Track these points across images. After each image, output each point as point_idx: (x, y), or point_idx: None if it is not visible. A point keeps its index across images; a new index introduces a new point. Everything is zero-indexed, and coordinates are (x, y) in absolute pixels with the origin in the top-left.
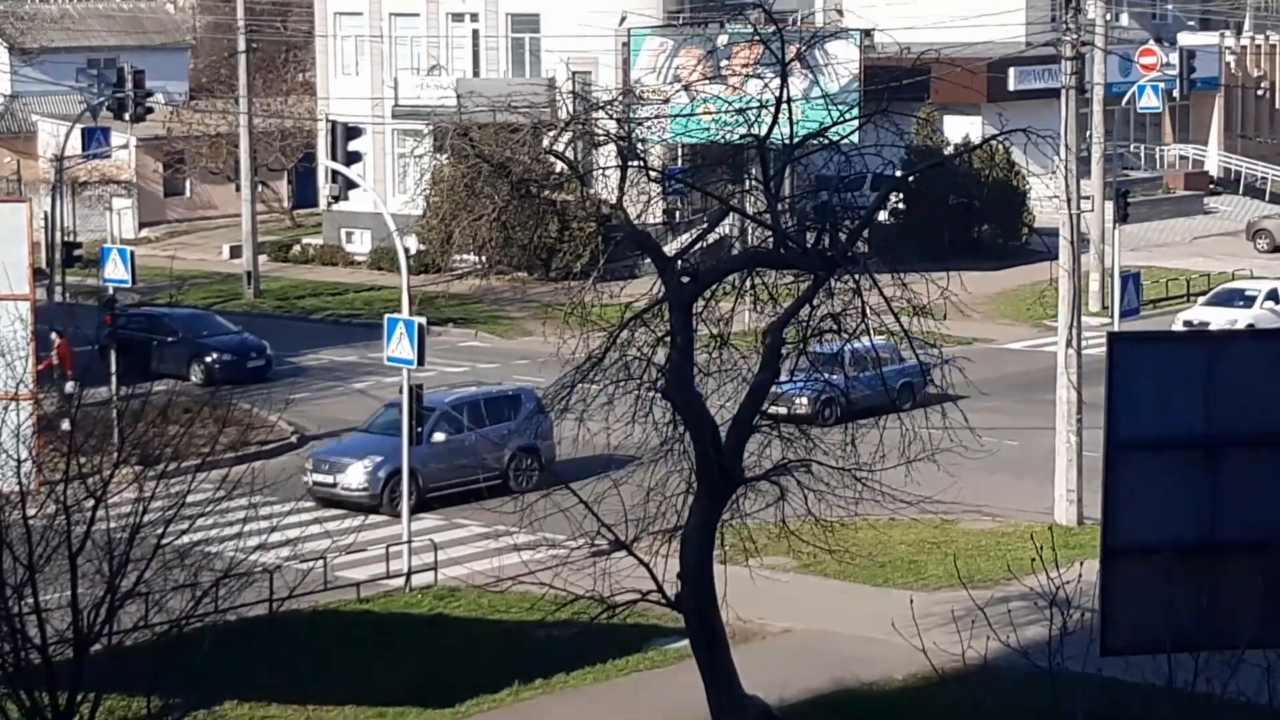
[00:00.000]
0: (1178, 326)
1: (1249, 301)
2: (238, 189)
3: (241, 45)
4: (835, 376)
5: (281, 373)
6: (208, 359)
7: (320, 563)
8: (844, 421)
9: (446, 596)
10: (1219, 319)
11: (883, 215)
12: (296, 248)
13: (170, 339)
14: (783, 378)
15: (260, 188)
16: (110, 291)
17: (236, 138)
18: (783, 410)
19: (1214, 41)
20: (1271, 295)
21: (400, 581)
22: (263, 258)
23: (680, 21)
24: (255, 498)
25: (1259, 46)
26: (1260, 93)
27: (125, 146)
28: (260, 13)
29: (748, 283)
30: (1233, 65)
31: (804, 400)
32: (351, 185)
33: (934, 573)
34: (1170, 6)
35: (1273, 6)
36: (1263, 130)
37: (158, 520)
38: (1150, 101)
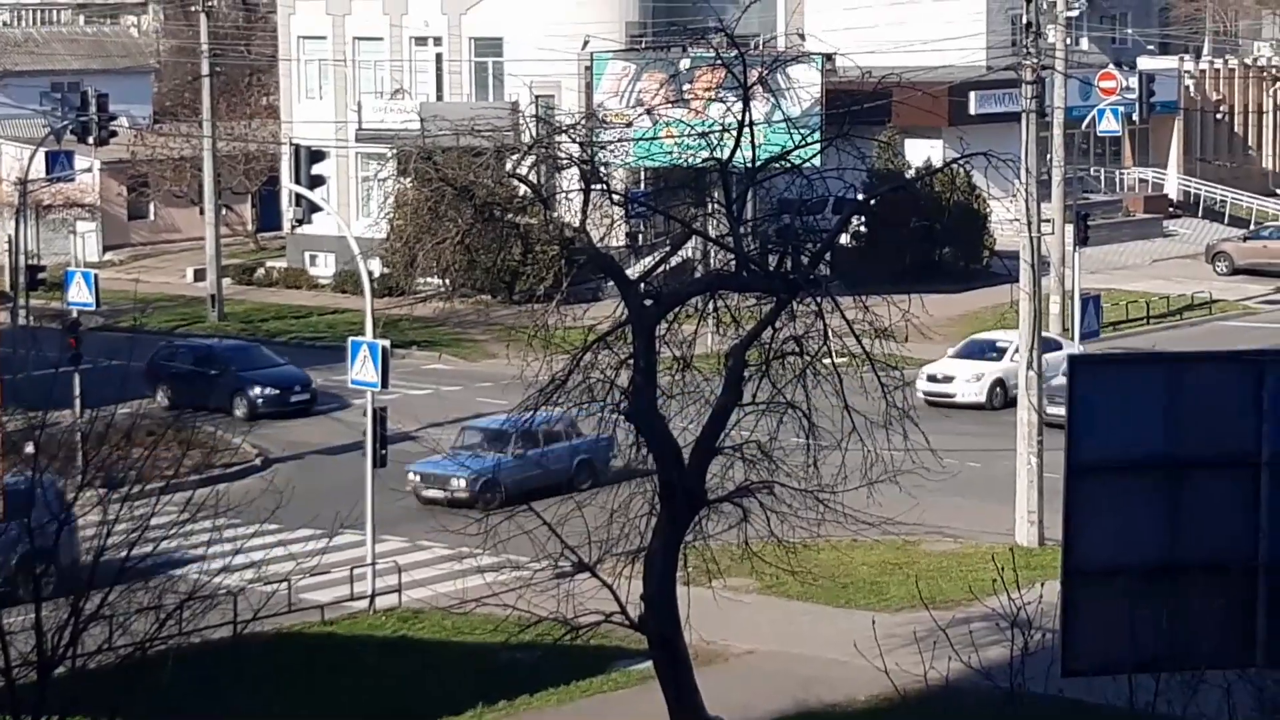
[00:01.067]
0: (921, 382)
1: (999, 354)
2: (202, 212)
3: (205, 69)
4: (497, 455)
5: (324, 402)
6: (251, 393)
7: (284, 585)
8: (507, 505)
9: (411, 618)
10: (965, 372)
11: (844, 238)
12: (260, 271)
13: (214, 372)
14: (445, 457)
15: (224, 211)
16: (74, 315)
17: (200, 161)
18: (439, 494)
19: (1173, 66)
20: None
21: (364, 603)
22: (226, 281)
23: (643, 45)
24: (219, 520)
25: (1218, 71)
26: (1219, 116)
27: (89, 170)
28: (224, 37)
29: (710, 305)
30: (1192, 89)
31: (461, 482)
32: (315, 209)
33: (896, 594)
34: (1130, 31)
35: (1231, 31)
36: (1221, 154)
37: (122, 543)
38: (1110, 125)
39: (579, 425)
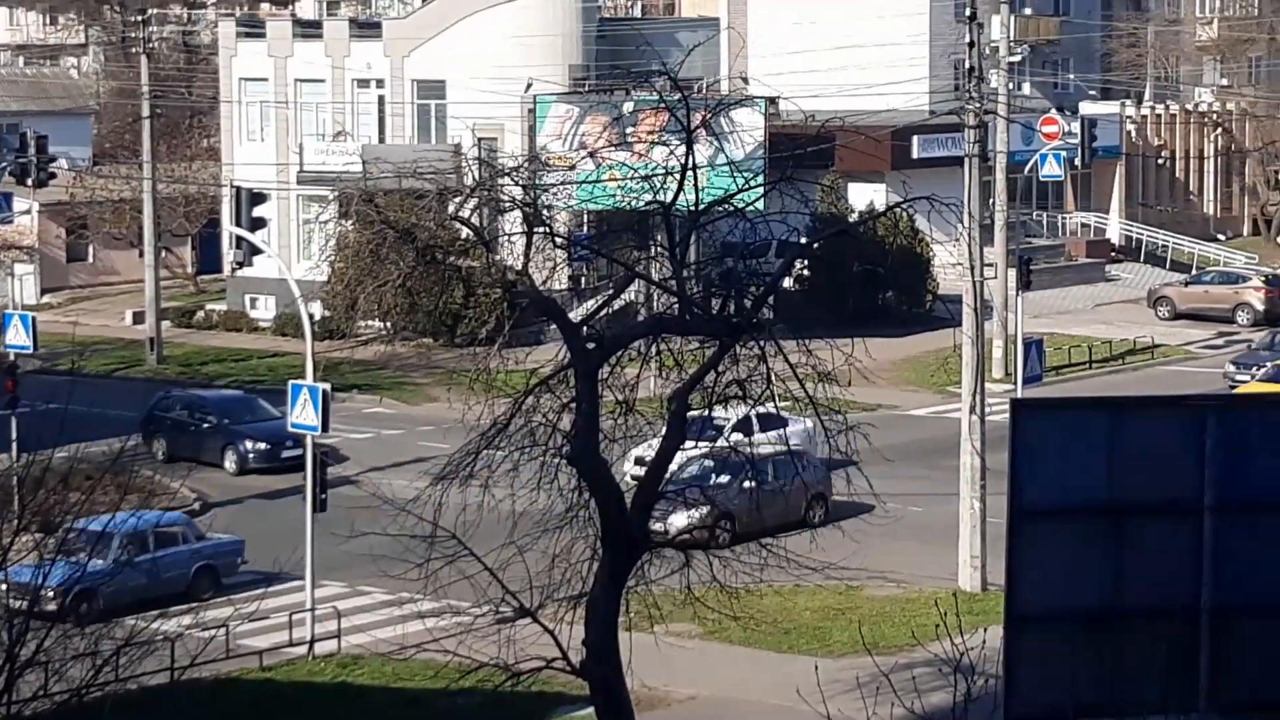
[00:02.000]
0: (629, 465)
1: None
2: (141, 254)
3: (146, 111)
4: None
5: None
6: (241, 447)
7: (222, 630)
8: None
9: (350, 664)
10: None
11: (788, 282)
12: (200, 313)
13: (206, 424)
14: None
15: (164, 253)
16: (11, 358)
17: (140, 203)
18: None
19: (1115, 111)
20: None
21: (303, 649)
22: (166, 323)
23: (586, 89)
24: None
25: (1159, 116)
26: (1161, 161)
27: (27, 212)
28: (165, 78)
29: (653, 349)
30: (1133, 134)
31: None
32: (256, 251)
33: (839, 639)
34: (1072, 76)
35: (1172, 77)
36: (1163, 199)
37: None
38: (1052, 170)
39: (196, 528)
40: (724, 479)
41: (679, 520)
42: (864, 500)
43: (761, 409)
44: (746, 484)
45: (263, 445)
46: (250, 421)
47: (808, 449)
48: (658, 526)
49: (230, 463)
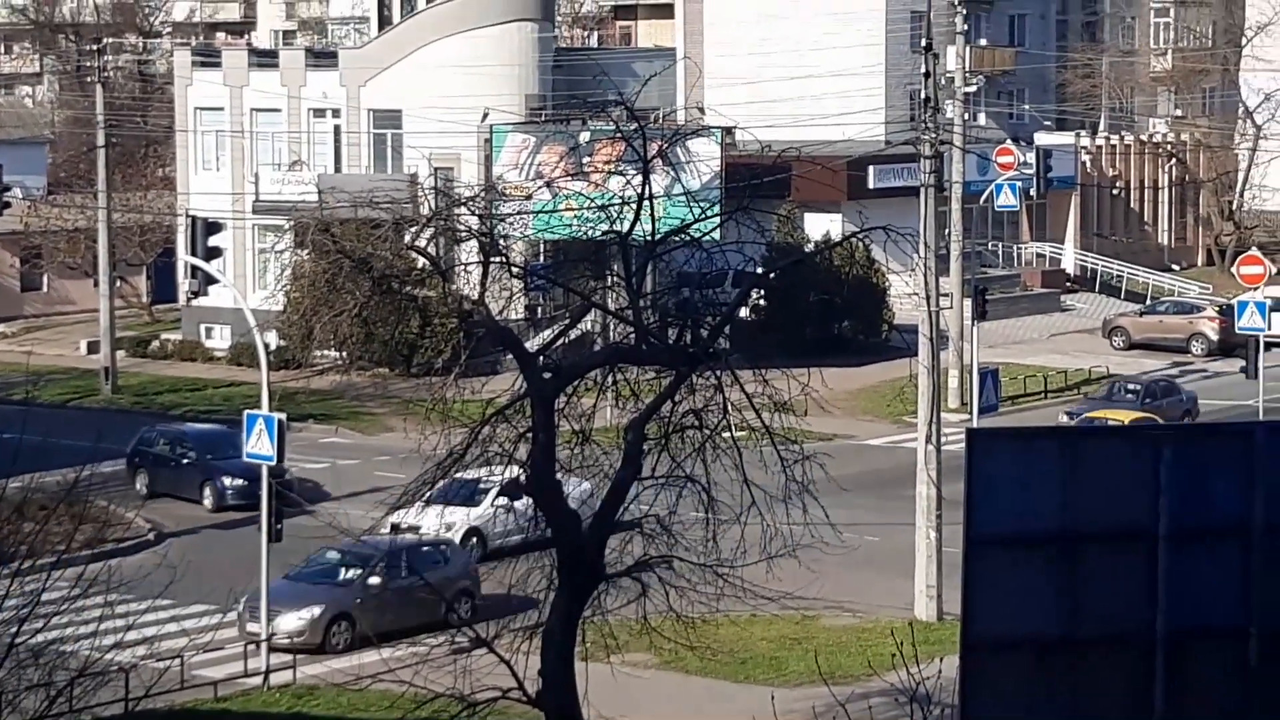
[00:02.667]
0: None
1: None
2: (96, 284)
3: (101, 140)
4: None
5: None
6: (219, 484)
7: (177, 661)
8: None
9: (305, 695)
10: (430, 522)
11: (744, 311)
12: (155, 343)
13: (186, 460)
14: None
15: (119, 283)
16: None
17: (95, 233)
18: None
19: (1070, 141)
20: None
21: (259, 680)
22: (121, 353)
23: (543, 118)
24: (112, 596)
25: (1114, 146)
26: (1115, 192)
27: None
28: (120, 108)
29: (610, 379)
30: (1088, 165)
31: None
32: (211, 280)
33: (795, 669)
34: (1027, 107)
35: (1127, 107)
36: (1118, 229)
37: (11, 619)
38: (1008, 200)
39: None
40: (351, 574)
41: (287, 624)
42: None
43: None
44: (374, 579)
45: (240, 481)
46: (231, 457)
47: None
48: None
49: (208, 499)
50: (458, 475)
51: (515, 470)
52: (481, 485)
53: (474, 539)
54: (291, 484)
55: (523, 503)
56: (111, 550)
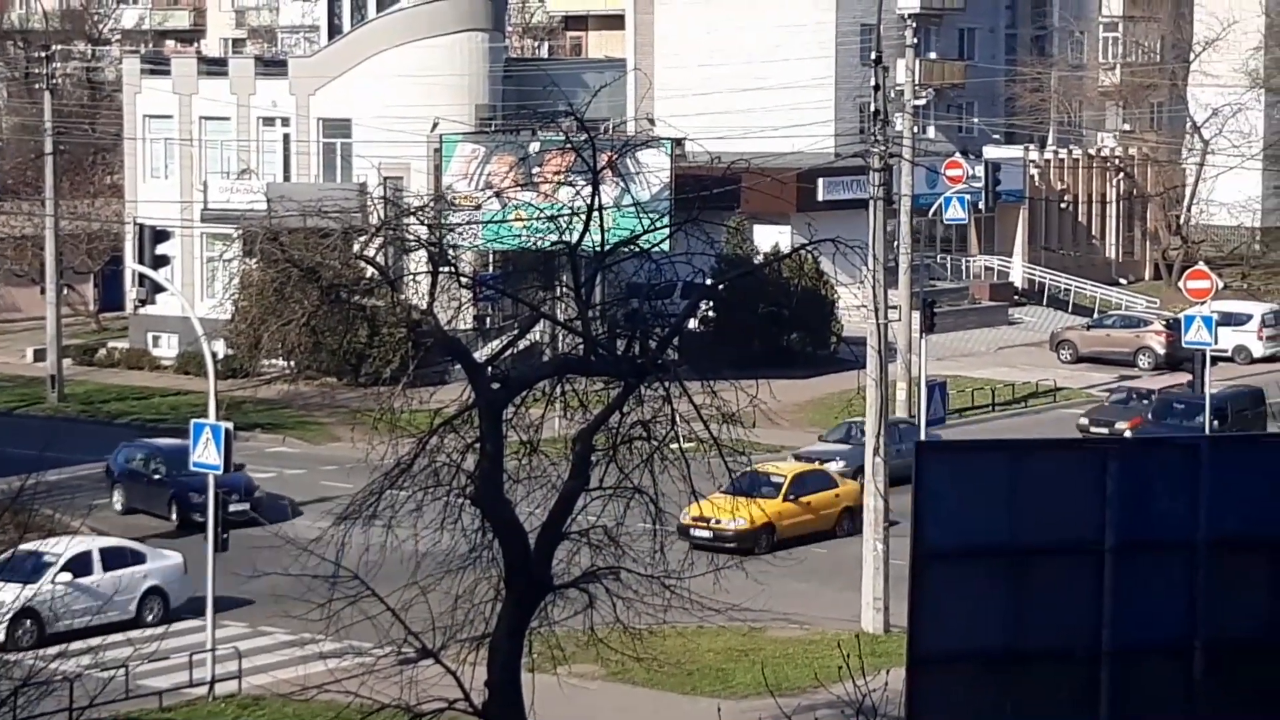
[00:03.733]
0: None
1: None
2: (43, 291)
3: (49, 147)
4: None
5: (273, 512)
6: (185, 500)
7: (122, 671)
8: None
9: (251, 705)
10: None
11: (693, 323)
12: (102, 351)
13: (156, 475)
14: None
15: (66, 291)
16: None
17: (42, 240)
18: None
19: (1018, 155)
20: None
21: (204, 690)
22: (67, 361)
23: (492, 128)
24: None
25: (1062, 160)
26: (1063, 205)
27: None
28: (68, 115)
29: (558, 389)
30: (1036, 178)
31: None
32: (159, 289)
33: (742, 680)
34: (976, 120)
35: (1075, 122)
36: (1066, 243)
37: None
38: (956, 213)
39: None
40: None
41: None
42: None
43: (115, 541)
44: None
45: (204, 498)
46: (197, 473)
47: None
48: None
49: (175, 515)
50: (20, 548)
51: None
52: (44, 559)
53: (28, 621)
54: (261, 500)
55: (93, 577)
56: None
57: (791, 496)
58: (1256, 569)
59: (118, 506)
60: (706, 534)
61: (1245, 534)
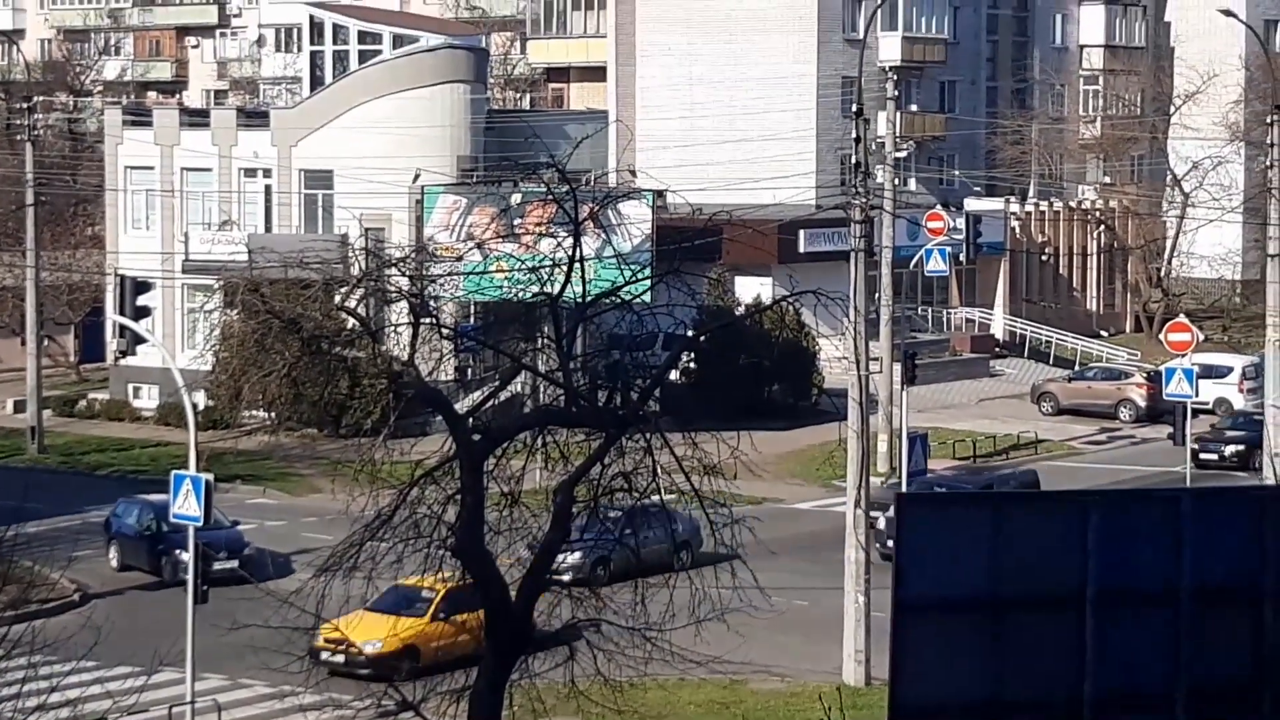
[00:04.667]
0: None
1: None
2: (23, 342)
3: (30, 198)
4: None
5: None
6: (174, 557)
7: None
8: None
9: None
10: None
11: (674, 374)
12: (82, 403)
13: (147, 531)
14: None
15: (46, 342)
16: None
17: (23, 291)
18: None
19: (999, 207)
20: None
21: None
22: (47, 413)
23: (474, 180)
24: (35, 657)
25: (1043, 213)
26: (1044, 258)
27: None
28: (50, 166)
29: (539, 441)
30: (1018, 231)
31: None
32: (139, 340)
33: None
34: (957, 173)
35: (1056, 174)
36: (1047, 295)
37: None
38: (937, 265)
39: None
40: None
41: None
42: (749, 593)
43: None
44: None
45: (188, 555)
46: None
47: None
48: None
49: (166, 573)
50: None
51: None
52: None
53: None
54: (252, 557)
55: None
56: (35, 611)
57: (442, 615)
58: (1238, 620)
59: (113, 563)
60: (338, 658)
61: (1226, 585)
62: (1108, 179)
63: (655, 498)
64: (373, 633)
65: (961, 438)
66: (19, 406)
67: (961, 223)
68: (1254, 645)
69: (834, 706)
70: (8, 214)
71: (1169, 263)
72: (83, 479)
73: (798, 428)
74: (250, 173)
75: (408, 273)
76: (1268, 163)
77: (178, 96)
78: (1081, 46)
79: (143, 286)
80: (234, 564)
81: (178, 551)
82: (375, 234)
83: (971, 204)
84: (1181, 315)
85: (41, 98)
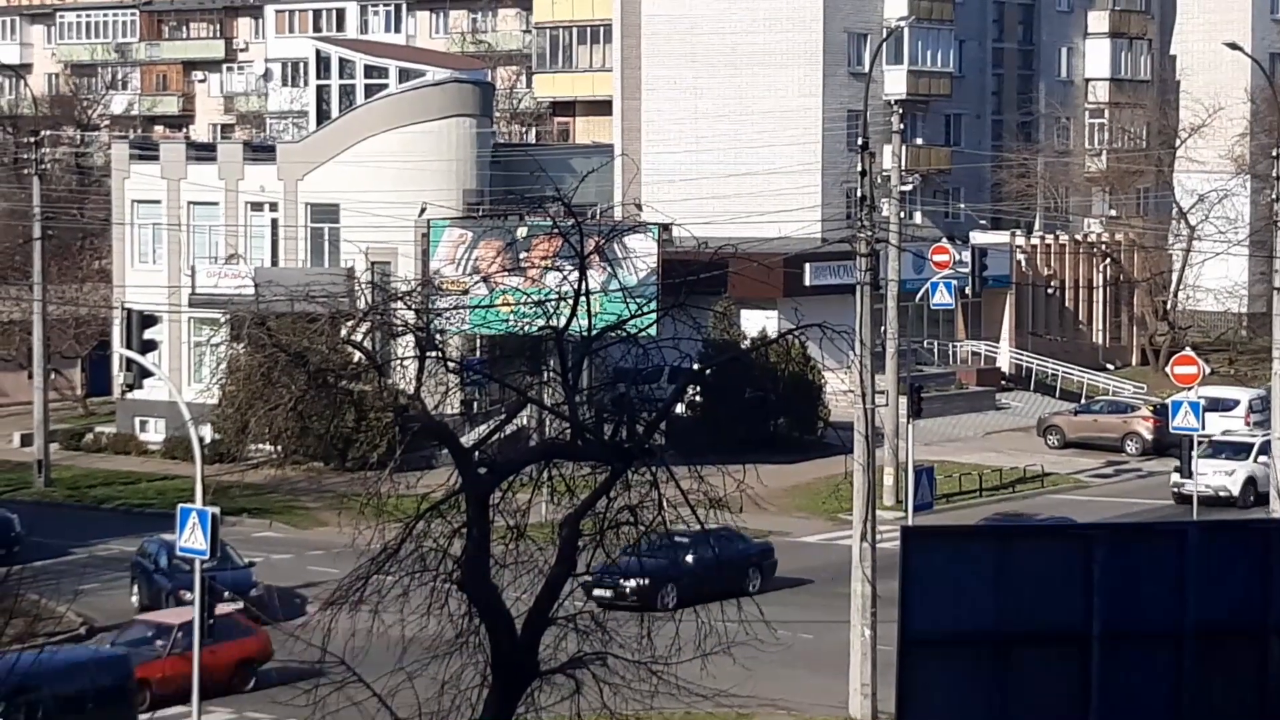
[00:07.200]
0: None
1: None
2: (30, 376)
3: (37, 232)
4: None
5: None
6: (178, 597)
7: None
8: None
9: None
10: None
11: (680, 408)
12: (89, 436)
13: (160, 573)
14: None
15: (53, 375)
16: None
17: (30, 324)
18: None
19: (1005, 240)
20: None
21: None
22: (54, 446)
23: (480, 213)
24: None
25: (1049, 246)
26: (1050, 291)
27: None
28: (57, 200)
29: (545, 474)
30: (1023, 264)
31: None
32: (146, 374)
33: None
34: (963, 206)
35: (1062, 207)
36: (1053, 328)
37: None
38: (943, 298)
39: None
40: None
41: None
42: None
43: None
44: None
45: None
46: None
47: None
48: None
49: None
50: None
51: None
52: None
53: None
54: (262, 598)
55: None
56: (42, 644)
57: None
58: (1243, 654)
59: (135, 604)
60: None
61: (1231, 622)
62: (1113, 212)
63: (661, 531)
64: None
65: (968, 471)
66: (26, 440)
67: (967, 256)
68: (1259, 680)
69: None
70: (15, 248)
71: (1175, 296)
72: (89, 512)
73: (804, 461)
74: (256, 207)
75: (414, 306)
76: (1273, 196)
77: (184, 131)
78: (1087, 80)
79: (149, 320)
80: (235, 606)
81: (183, 593)
82: (381, 268)
83: (977, 237)
84: (1187, 348)
85: (49, 132)
